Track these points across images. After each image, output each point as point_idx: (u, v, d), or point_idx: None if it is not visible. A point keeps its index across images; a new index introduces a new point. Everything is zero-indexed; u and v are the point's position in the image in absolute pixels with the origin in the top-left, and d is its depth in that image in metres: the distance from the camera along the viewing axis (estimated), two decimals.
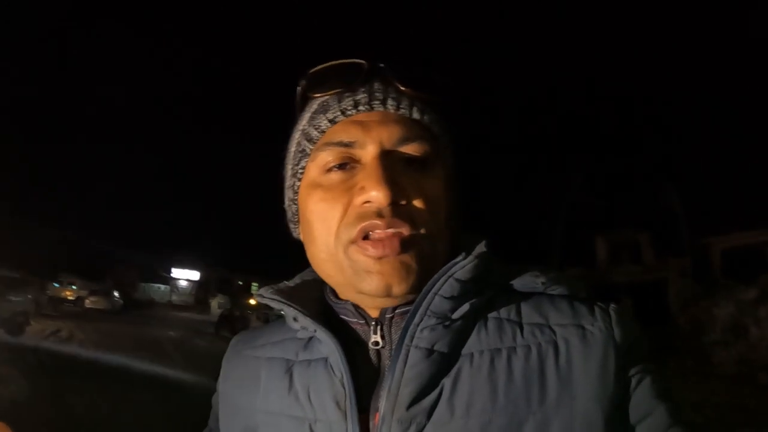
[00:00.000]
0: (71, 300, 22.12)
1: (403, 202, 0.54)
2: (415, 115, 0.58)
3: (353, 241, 0.53)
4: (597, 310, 0.55)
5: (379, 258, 0.52)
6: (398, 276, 0.52)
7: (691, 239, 18.13)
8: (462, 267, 0.53)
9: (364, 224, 0.52)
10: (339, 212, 0.55)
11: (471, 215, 0.64)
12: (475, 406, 0.50)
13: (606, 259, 19.61)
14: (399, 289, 0.52)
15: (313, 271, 0.63)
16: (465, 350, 0.53)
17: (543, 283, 0.57)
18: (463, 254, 0.54)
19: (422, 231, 0.54)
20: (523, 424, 0.49)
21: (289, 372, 0.58)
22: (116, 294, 24.11)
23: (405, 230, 0.52)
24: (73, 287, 23.30)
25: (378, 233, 0.52)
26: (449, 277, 0.53)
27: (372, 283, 0.52)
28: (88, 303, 21.71)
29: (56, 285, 22.65)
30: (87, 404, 5.24)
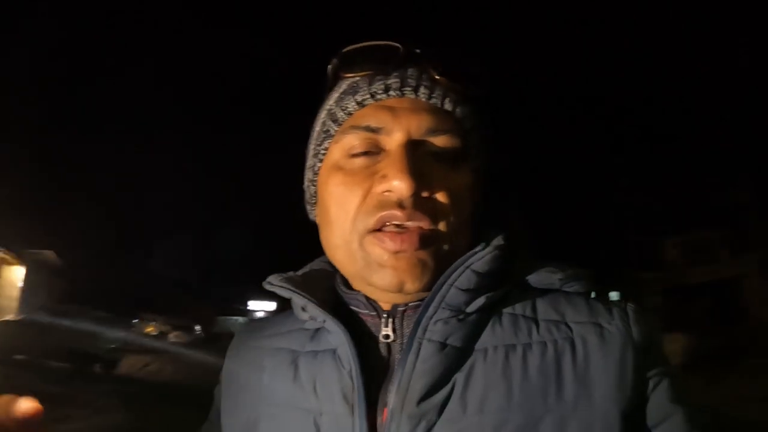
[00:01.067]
0: (155, 335, 23.53)
1: (426, 195, 0.52)
2: (447, 106, 0.56)
3: (370, 231, 0.52)
4: (614, 308, 0.54)
5: (396, 252, 0.51)
6: (413, 273, 0.51)
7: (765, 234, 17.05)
8: (480, 258, 0.52)
9: (382, 213, 0.51)
10: (358, 198, 0.53)
11: (525, 219, 0.61)
12: (489, 404, 0.48)
13: (678, 260, 18.88)
14: (412, 286, 0.51)
15: (323, 261, 0.63)
16: (479, 345, 0.52)
17: (560, 280, 0.56)
18: (483, 245, 0.53)
19: (442, 227, 0.52)
20: (539, 422, 0.47)
21: (295, 363, 0.56)
22: (197, 328, 24.97)
23: (425, 224, 0.51)
24: (155, 323, 24.80)
25: (396, 226, 0.51)
26: (467, 268, 0.52)
27: (384, 278, 0.51)
28: (172, 338, 22.64)
29: (139, 321, 24.26)
30: (179, 430, 5.73)
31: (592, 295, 0.57)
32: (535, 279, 0.57)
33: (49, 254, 16.42)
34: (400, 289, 0.51)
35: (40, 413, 0.37)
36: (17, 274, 15.49)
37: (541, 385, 0.49)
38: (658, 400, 0.50)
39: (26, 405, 0.37)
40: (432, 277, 0.52)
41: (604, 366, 0.50)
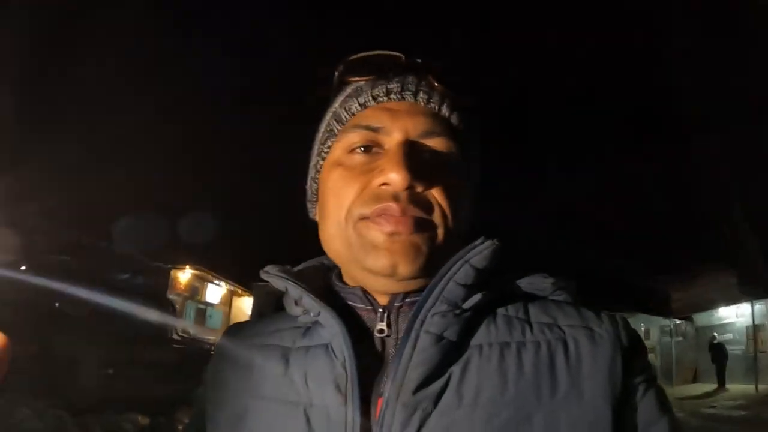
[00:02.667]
0: None
1: (420, 190, 0.53)
2: (444, 111, 0.58)
3: (365, 218, 0.53)
4: (603, 315, 0.56)
5: (391, 234, 0.52)
6: (406, 256, 0.51)
7: None
8: (479, 253, 0.53)
9: (378, 206, 0.52)
10: (355, 191, 0.55)
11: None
12: (483, 396, 0.49)
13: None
14: (405, 269, 0.52)
15: (318, 260, 0.65)
16: (474, 341, 0.53)
17: (553, 284, 0.58)
18: (482, 238, 0.54)
19: (436, 220, 0.54)
20: (531, 416, 0.48)
21: (285, 357, 0.56)
22: None
23: (415, 219, 0.52)
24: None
25: (388, 217, 0.52)
26: (465, 262, 0.53)
27: (378, 260, 0.52)
28: None
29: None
30: None
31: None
32: (526, 283, 0.58)
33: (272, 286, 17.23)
34: (393, 272, 0.52)
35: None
36: (246, 304, 16.76)
37: (534, 381, 0.50)
38: (647, 406, 0.52)
39: None
40: (425, 263, 0.52)
41: (595, 366, 0.51)
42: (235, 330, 0.67)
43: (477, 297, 0.53)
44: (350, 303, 0.57)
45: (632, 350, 0.54)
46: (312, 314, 0.56)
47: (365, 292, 0.56)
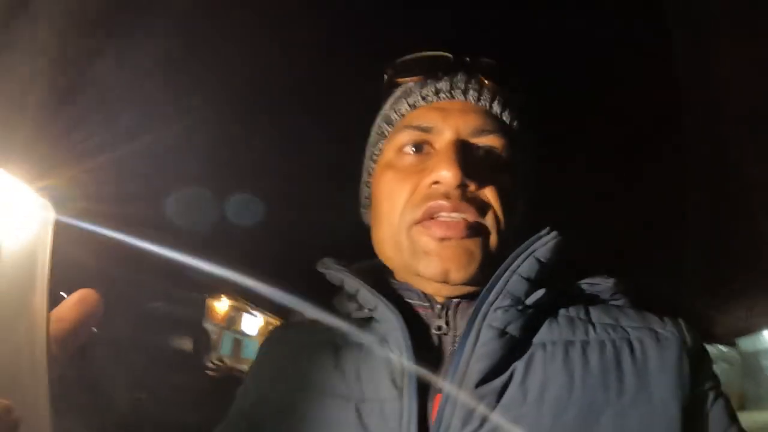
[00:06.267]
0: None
1: (473, 189, 0.53)
2: (495, 109, 0.58)
3: (417, 222, 0.53)
4: (666, 318, 0.55)
5: (442, 240, 0.51)
6: (458, 261, 0.51)
7: None
8: (544, 244, 0.53)
9: (430, 204, 0.52)
10: (407, 192, 0.55)
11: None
12: (549, 394, 0.48)
13: None
14: (457, 275, 0.51)
15: (371, 261, 0.63)
16: (537, 339, 0.51)
17: (614, 285, 0.57)
18: (547, 228, 0.55)
19: (488, 222, 0.53)
20: (599, 415, 0.47)
21: (337, 353, 0.55)
22: None
23: (470, 216, 0.52)
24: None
25: (443, 217, 0.52)
26: (530, 254, 0.53)
27: (429, 266, 0.52)
28: None
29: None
30: None
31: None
32: (587, 284, 0.58)
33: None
34: (445, 278, 0.52)
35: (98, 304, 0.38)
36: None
37: (601, 381, 0.49)
38: (718, 415, 0.51)
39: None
40: (477, 269, 0.52)
41: (663, 367, 0.50)
42: (282, 329, 0.66)
43: (540, 293, 0.52)
44: (407, 300, 0.56)
45: (698, 354, 0.52)
46: (367, 309, 0.55)
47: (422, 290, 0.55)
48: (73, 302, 0.36)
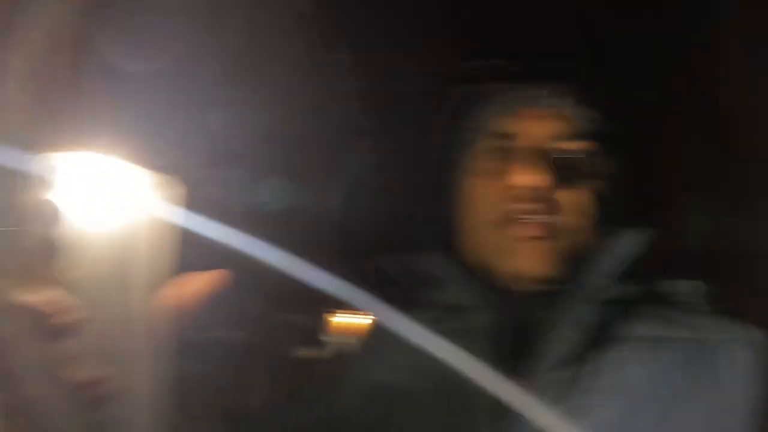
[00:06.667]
0: None
1: (553, 192, 0.54)
2: (574, 114, 0.58)
3: (501, 223, 0.55)
4: (742, 328, 0.53)
5: (525, 240, 0.53)
6: (539, 261, 0.53)
7: None
8: (627, 243, 0.55)
9: (513, 206, 0.54)
10: (489, 197, 0.56)
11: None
12: (623, 387, 0.49)
13: None
14: (540, 274, 0.53)
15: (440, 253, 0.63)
16: (614, 333, 0.53)
17: (694, 289, 0.57)
18: (630, 229, 0.55)
19: (569, 225, 0.55)
20: (671, 415, 0.48)
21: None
22: None
23: (552, 218, 0.54)
24: None
25: (526, 218, 0.53)
26: (610, 253, 0.54)
27: (512, 265, 0.54)
28: None
29: None
30: None
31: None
32: (666, 284, 0.58)
33: None
34: (528, 277, 0.54)
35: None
36: None
37: (675, 381, 0.49)
38: None
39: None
40: (559, 267, 0.54)
41: (737, 373, 0.50)
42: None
43: (620, 289, 0.54)
44: (491, 293, 0.58)
45: None
46: (452, 298, 0.58)
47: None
48: (206, 277, 0.40)
